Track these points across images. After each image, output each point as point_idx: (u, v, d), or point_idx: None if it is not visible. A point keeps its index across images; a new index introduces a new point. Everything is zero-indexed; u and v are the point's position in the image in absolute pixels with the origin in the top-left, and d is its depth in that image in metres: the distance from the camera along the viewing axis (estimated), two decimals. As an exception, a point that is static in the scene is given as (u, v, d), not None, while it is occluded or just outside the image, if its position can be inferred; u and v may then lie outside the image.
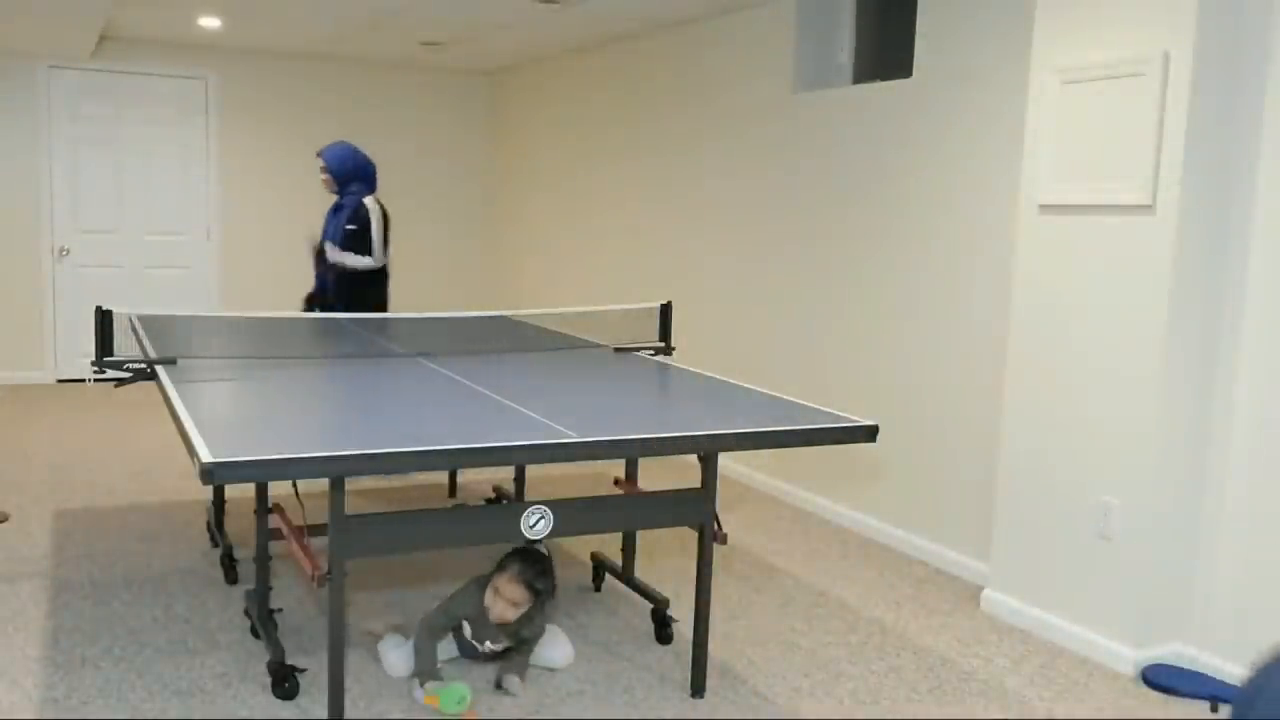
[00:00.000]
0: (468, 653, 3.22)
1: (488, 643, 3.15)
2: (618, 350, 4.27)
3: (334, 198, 5.41)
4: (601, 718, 3.00)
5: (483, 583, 3.15)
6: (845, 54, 5.37)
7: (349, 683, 3.11)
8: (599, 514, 3.00)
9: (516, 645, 3.19)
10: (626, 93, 6.89)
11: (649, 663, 3.36)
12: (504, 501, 4.76)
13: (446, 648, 3.21)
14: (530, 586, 3.08)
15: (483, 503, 4.70)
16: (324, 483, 2.55)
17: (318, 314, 5.32)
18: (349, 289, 5.26)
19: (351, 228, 5.21)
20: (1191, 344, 3.33)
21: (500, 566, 3.11)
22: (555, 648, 3.28)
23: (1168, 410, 3.33)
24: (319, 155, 5.34)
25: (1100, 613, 3.51)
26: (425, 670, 3.04)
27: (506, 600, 3.07)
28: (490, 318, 5.43)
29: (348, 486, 2.62)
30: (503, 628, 3.13)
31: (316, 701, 3.00)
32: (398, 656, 3.17)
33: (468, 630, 3.17)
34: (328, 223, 5.39)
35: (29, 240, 7.73)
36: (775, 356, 5.47)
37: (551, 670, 3.24)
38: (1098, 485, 3.50)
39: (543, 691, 3.13)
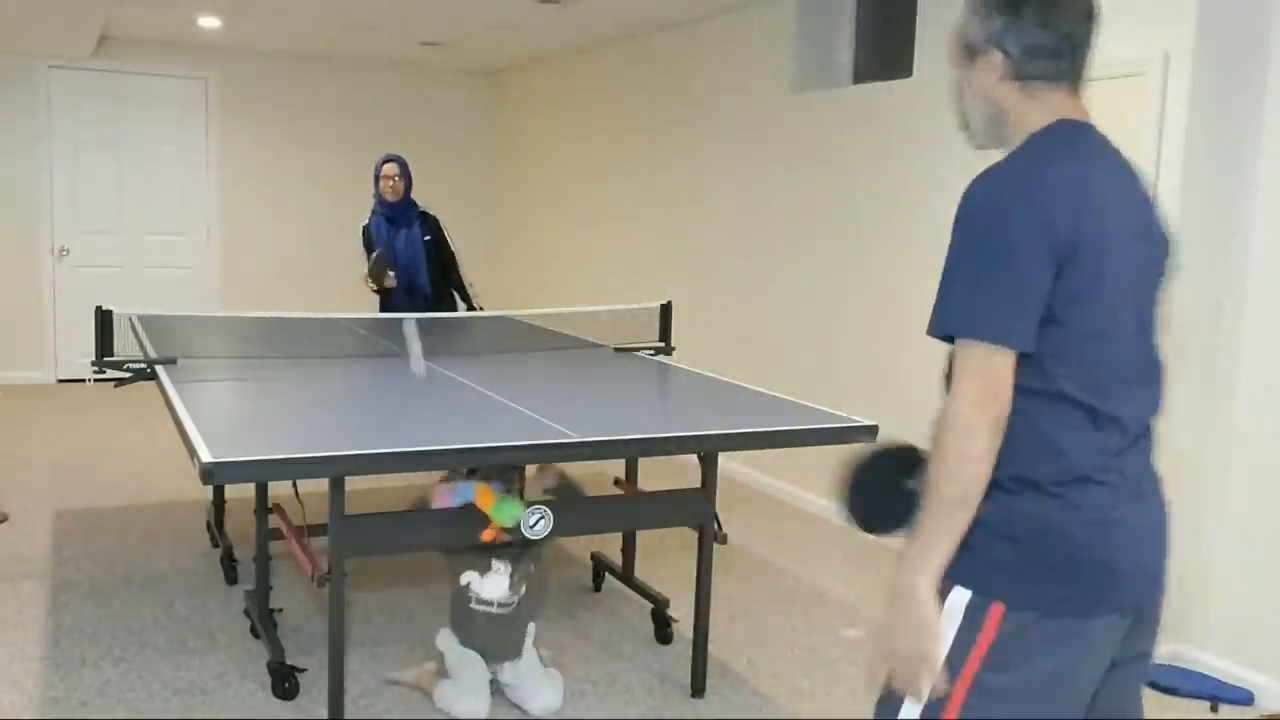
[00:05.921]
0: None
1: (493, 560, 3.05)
2: (618, 350, 4.27)
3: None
4: (601, 718, 3.00)
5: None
6: (845, 54, 5.37)
7: (349, 683, 3.11)
8: (599, 514, 3.01)
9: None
10: (627, 93, 6.88)
11: (649, 663, 3.36)
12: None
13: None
14: (500, 473, 2.95)
15: (483, 503, 4.68)
16: (324, 482, 2.55)
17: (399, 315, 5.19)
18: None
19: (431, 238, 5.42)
20: (1192, 343, 3.33)
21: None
22: (548, 691, 3.07)
23: (1168, 409, 3.32)
24: (397, 160, 5.35)
25: (1100, 613, 3.50)
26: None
27: None
28: (490, 318, 5.43)
29: (348, 487, 2.63)
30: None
31: (316, 701, 3.00)
32: (457, 695, 2.98)
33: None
34: (391, 238, 5.29)
35: (29, 240, 7.73)
36: (776, 356, 5.47)
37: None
38: (1098, 485, 3.49)
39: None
